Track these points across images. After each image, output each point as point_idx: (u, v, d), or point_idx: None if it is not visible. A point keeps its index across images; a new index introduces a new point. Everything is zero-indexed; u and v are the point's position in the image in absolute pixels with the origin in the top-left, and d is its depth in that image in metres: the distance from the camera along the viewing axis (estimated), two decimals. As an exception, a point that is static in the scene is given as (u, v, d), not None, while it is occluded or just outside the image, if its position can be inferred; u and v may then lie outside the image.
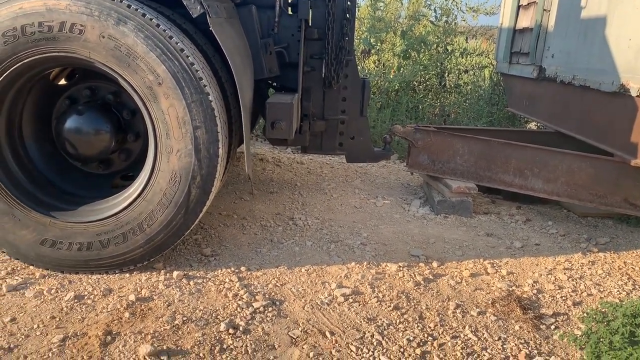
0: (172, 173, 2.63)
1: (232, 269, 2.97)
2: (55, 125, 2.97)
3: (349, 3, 3.56)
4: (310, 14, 3.55)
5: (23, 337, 2.28)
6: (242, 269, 2.98)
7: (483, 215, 4.09)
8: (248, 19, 3.26)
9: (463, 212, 4.03)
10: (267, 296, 2.71)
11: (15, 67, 2.51)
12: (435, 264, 3.17)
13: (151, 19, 2.49)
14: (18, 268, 2.84)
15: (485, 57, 8.04)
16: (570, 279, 3.10)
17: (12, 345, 2.22)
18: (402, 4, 7.94)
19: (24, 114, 2.88)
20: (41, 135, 2.99)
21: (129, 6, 2.47)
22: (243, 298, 2.66)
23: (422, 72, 7.32)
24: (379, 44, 7.54)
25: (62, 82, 3.08)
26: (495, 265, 3.23)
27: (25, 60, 2.50)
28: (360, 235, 3.56)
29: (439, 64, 7.47)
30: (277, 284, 2.85)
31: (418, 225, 3.84)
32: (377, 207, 4.17)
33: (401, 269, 3.08)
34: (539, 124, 6.20)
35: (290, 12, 3.62)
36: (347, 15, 3.57)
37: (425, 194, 4.47)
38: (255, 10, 3.30)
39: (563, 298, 2.89)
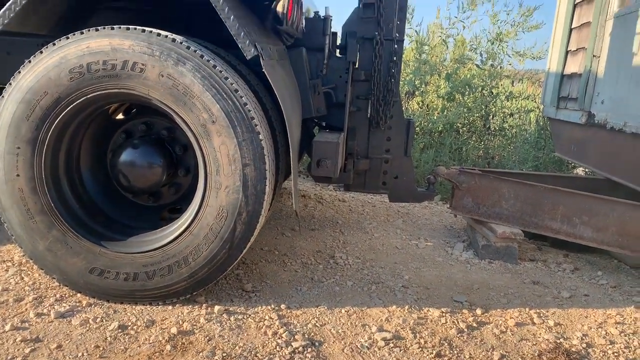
0: (219, 208, 2.68)
1: (272, 306, 2.97)
2: (110, 158, 3.09)
3: (395, 46, 3.62)
4: (358, 56, 3.64)
5: (68, 364, 2.33)
6: (282, 306, 2.97)
7: (529, 262, 3.98)
8: (298, 61, 3.37)
9: (508, 258, 3.93)
10: (306, 336, 2.68)
11: (78, 101, 2.63)
12: (479, 311, 3.09)
13: (208, 60, 2.59)
14: (66, 295, 2.92)
15: (532, 100, 7.96)
16: (622, 334, 2.96)
17: (57, 372, 2.27)
18: (447, 47, 7.99)
19: (82, 146, 3.00)
20: (96, 166, 3.11)
21: (188, 47, 2.58)
22: (282, 337, 2.65)
23: (467, 114, 7.30)
24: (423, 86, 7.58)
25: (120, 116, 3.21)
26: (542, 315, 3.12)
27: (89, 96, 2.62)
28: (401, 278, 3.51)
29: (483, 107, 7.44)
30: (317, 324, 2.83)
31: (461, 269, 3.76)
32: (419, 249, 4.11)
33: (444, 314, 3.01)
34: (587, 170, 6.04)
35: (338, 55, 3.71)
36: (394, 57, 3.63)
37: (469, 237, 4.39)
38: (305, 53, 3.41)
39: (615, 354, 2.75)
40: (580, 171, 6.54)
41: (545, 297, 3.39)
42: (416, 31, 7.87)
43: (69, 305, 2.82)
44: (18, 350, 2.41)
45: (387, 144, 3.82)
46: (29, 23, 2.81)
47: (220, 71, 2.59)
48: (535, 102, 7.89)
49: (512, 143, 7.32)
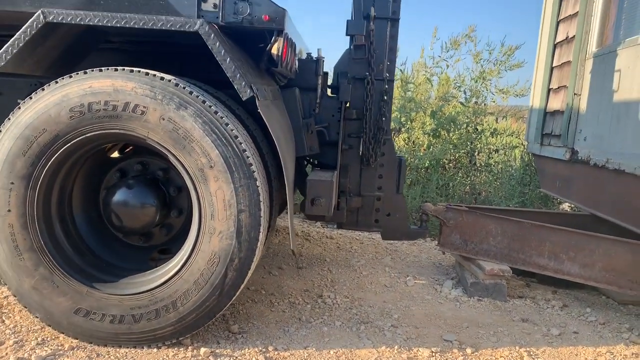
0: (212, 254, 2.65)
1: (260, 348, 2.91)
2: (104, 196, 3.07)
3: (386, 86, 3.69)
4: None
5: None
6: (270, 348, 2.92)
7: (518, 300, 3.96)
8: (291, 100, 3.43)
9: (497, 295, 3.92)
10: (294, 379, 2.63)
11: (76, 140, 2.62)
12: (469, 350, 3.06)
13: (210, 106, 2.61)
14: (48, 338, 2.85)
15: (516, 137, 8.08)
16: (613, 372, 2.94)
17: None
18: (432, 85, 8.14)
19: (75, 183, 2.98)
20: (88, 204, 3.09)
21: (190, 92, 2.61)
22: (270, 380, 2.59)
23: (452, 151, 7.38)
24: (409, 123, 7.68)
25: (115, 154, 3.20)
26: (532, 353, 3.09)
27: (88, 135, 2.61)
28: (391, 317, 3.47)
29: (469, 143, 7.53)
30: (305, 365, 2.78)
31: (451, 307, 3.74)
32: (408, 287, 4.09)
33: (434, 354, 2.98)
34: (572, 206, 6.10)
35: (330, 94, 3.77)
36: (385, 97, 3.69)
37: (458, 274, 4.38)
38: (298, 92, 3.47)
39: (607, 393, 2.72)
40: (566, 207, 6.60)
41: (535, 334, 3.37)
42: (401, 70, 8.02)
43: (51, 349, 2.74)
44: (-5, 398, 2.33)
45: (379, 182, 3.85)
46: (24, 65, 2.83)
47: (222, 117, 2.61)
48: (519, 138, 8.01)
49: (498, 179, 7.39)
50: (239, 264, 2.67)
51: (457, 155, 7.48)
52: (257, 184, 2.64)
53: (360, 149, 3.77)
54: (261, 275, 4.03)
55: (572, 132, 4.76)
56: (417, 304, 3.75)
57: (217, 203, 2.62)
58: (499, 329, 3.41)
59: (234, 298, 2.76)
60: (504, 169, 7.49)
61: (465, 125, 7.61)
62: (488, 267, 3.96)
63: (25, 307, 2.81)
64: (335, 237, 5.41)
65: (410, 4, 7.77)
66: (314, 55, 3.67)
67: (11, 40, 2.63)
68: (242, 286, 2.75)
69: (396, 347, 3.03)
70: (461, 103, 7.85)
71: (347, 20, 3.60)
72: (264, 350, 2.89)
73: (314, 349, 2.95)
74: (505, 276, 3.96)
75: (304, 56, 3.71)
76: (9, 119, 2.64)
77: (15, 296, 2.79)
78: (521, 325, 3.51)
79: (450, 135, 7.51)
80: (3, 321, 3.00)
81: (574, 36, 4.80)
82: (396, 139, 7.72)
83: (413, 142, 7.60)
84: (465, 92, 7.97)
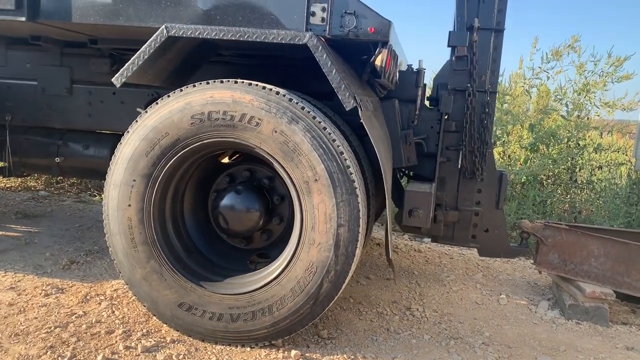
0: (309, 263, 2.74)
1: (348, 354, 2.95)
2: (213, 199, 3.26)
3: (488, 98, 3.62)
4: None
5: (152, 398, 2.42)
6: (358, 356, 2.95)
7: (621, 326, 3.71)
8: (390, 112, 3.46)
9: (598, 319, 3.69)
10: (382, 388, 2.64)
11: (194, 145, 2.81)
12: (566, 376, 2.91)
13: (319, 122, 2.71)
14: (152, 330, 3.06)
15: (622, 153, 7.56)
16: None
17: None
18: (530, 97, 7.82)
19: (188, 185, 3.20)
20: (197, 205, 3.30)
21: (302, 108, 2.72)
22: (358, 387, 2.62)
23: (551, 166, 7.04)
24: (505, 136, 7.43)
25: (225, 160, 3.39)
26: (637, 385, 2.89)
27: (205, 141, 2.80)
28: (482, 334, 3.38)
29: (569, 159, 7.15)
30: (393, 376, 2.78)
31: (546, 329, 3.57)
32: (501, 305, 3.96)
33: (527, 376, 2.86)
34: (687, 229, 5.61)
35: (428, 106, 3.75)
36: (487, 109, 3.62)
37: (555, 295, 4.17)
38: (397, 104, 3.49)
39: None
40: (678, 230, 6.08)
41: (641, 365, 3.15)
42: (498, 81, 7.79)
43: (154, 341, 2.95)
44: (108, 380, 2.55)
45: (478, 196, 3.76)
46: (146, 76, 3.07)
47: (329, 133, 2.70)
48: (626, 155, 7.49)
49: (601, 197, 6.93)
50: (334, 275, 2.74)
51: (556, 170, 7.12)
52: (358, 200, 2.69)
53: (459, 161, 3.72)
54: (349, 284, 4.07)
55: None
56: (510, 323, 3.62)
57: (318, 215, 2.70)
58: (599, 355, 3.21)
59: (327, 308, 2.82)
60: (608, 186, 7.02)
61: (566, 140, 7.23)
62: (589, 289, 3.75)
63: (135, 296, 3.04)
64: (424, 250, 5.34)
65: (508, 14, 7.53)
66: (414, 66, 3.68)
67: (137, 53, 2.87)
68: (336, 297, 2.81)
69: (487, 365, 2.96)
70: (562, 116, 7.48)
71: (449, 32, 3.57)
72: (352, 357, 2.93)
73: (403, 360, 2.95)
74: (607, 300, 3.72)
75: (404, 68, 3.73)
76: (137, 121, 2.88)
77: (127, 284, 3.02)
78: (625, 353, 3.28)
79: (550, 149, 7.17)
80: (113, 312, 3.27)
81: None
82: (490, 152, 7.49)
83: (509, 156, 7.33)
84: (566, 105, 7.59)
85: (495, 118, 7.47)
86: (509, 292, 4.25)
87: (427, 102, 3.82)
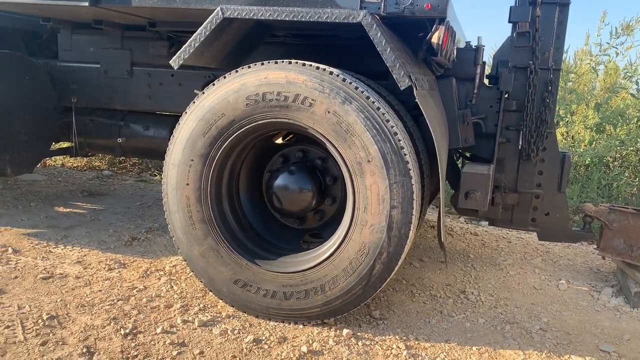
0: (361, 244, 2.73)
1: (400, 335, 2.95)
2: (267, 179, 3.31)
3: (551, 76, 3.46)
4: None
5: (208, 370, 2.51)
6: (410, 337, 2.94)
7: (693, 316, 3.51)
8: (447, 91, 3.36)
9: (666, 309, 3.51)
10: (435, 370, 2.62)
11: (249, 126, 2.85)
12: (629, 365, 2.79)
13: (373, 102, 2.68)
14: (209, 305, 3.15)
15: (699, 134, 7.07)
16: None
17: (199, 376, 2.45)
18: (597, 75, 7.44)
19: (243, 165, 3.26)
20: (253, 185, 3.35)
21: (356, 88, 2.69)
22: (410, 368, 2.61)
23: (619, 148, 6.68)
24: (568, 116, 7.11)
25: (279, 140, 3.42)
26: None
27: (259, 122, 2.83)
28: (539, 320, 3.29)
29: (639, 140, 6.76)
30: (446, 358, 2.75)
31: (609, 317, 3.43)
32: (560, 291, 3.82)
33: (587, 364, 2.77)
34: None
35: (487, 84, 3.63)
36: (550, 87, 3.46)
37: (619, 282, 3.99)
38: (454, 82, 3.39)
39: None
40: None
41: None
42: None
43: (211, 315, 3.04)
44: (167, 352, 2.65)
45: (539, 178, 3.62)
46: (202, 58, 3.12)
47: (383, 113, 2.67)
48: (703, 136, 7.00)
49: (674, 181, 6.54)
50: (387, 257, 2.72)
51: (624, 152, 6.76)
52: (412, 182, 2.65)
53: (520, 142, 3.58)
54: (402, 266, 4.03)
55: None
56: (570, 310, 3.50)
57: (371, 197, 2.68)
58: (667, 346, 3.06)
59: (379, 289, 2.82)
60: (681, 170, 6.61)
61: (635, 120, 6.84)
62: (657, 277, 3.56)
63: (192, 272, 3.13)
64: (480, 233, 5.22)
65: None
66: (473, 43, 3.56)
67: (193, 35, 2.92)
68: (388, 279, 2.80)
69: (545, 351, 2.88)
70: (632, 95, 7.07)
71: (511, 7, 3.42)
72: (404, 338, 2.92)
73: (456, 344, 2.91)
74: (678, 289, 3.52)
75: (463, 45, 3.61)
76: (194, 102, 2.95)
77: (185, 260, 3.12)
78: (696, 345, 3.11)
79: (617, 130, 6.80)
80: (172, 287, 3.39)
81: None
82: (552, 133, 7.20)
83: (572, 137, 7.02)
84: (637, 83, 7.16)
85: (559, 97, 7.19)
86: (569, 278, 4.10)
87: (486, 81, 3.68)
